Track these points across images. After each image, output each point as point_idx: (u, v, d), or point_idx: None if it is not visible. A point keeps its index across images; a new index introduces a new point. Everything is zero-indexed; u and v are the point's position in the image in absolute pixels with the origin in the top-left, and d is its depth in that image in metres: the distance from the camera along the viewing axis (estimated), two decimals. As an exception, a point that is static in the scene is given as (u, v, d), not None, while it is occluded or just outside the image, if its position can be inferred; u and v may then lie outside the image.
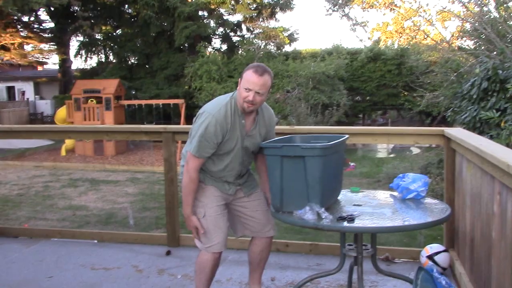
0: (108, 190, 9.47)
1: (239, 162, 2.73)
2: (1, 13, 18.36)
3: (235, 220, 2.91)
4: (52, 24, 23.34)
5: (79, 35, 23.03)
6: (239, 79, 2.62)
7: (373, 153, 15.82)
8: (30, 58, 25.05)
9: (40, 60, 26.39)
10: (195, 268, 2.86)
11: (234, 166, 2.73)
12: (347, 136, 2.74)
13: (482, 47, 8.89)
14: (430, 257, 3.35)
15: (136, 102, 16.57)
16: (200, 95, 16.76)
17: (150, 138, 4.85)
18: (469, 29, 10.56)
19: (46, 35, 23.54)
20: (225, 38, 21.63)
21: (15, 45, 22.53)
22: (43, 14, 23.09)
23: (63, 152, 15.35)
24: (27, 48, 24.88)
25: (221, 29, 21.45)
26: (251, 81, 2.53)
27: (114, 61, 22.24)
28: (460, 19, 11.73)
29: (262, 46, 18.82)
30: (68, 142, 15.43)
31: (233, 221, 2.92)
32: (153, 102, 16.08)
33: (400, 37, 20.01)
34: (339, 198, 2.79)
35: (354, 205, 2.62)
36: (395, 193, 2.88)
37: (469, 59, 9.44)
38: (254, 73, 2.53)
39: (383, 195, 2.88)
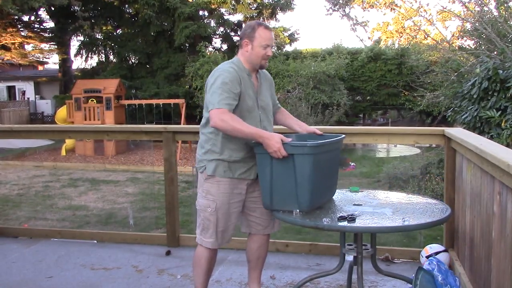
0: (108, 190, 9.46)
1: (260, 127, 2.70)
2: (1, 12, 18.36)
3: (242, 217, 2.90)
4: (52, 24, 23.37)
5: (80, 34, 23.06)
6: (244, 40, 2.66)
7: (373, 153, 15.83)
8: (30, 58, 25.06)
9: (41, 59, 26.41)
10: (192, 262, 2.87)
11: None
12: (342, 136, 2.74)
13: (483, 47, 8.88)
14: (430, 257, 3.35)
15: (136, 102, 16.56)
16: (200, 95, 16.74)
17: (150, 138, 4.85)
18: (469, 29, 10.56)
19: (47, 34, 23.55)
20: (226, 38, 21.63)
21: (16, 45, 22.55)
22: (43, 14, 23.14)
23: (63, 152, 15.36)
24: (28, 47, 24.92)
25: (221, 29, 21.46)
26: (268, 37, 2.65)
27: (115, 60, 22.24)
28: (460, 19, 11.73)
29: (262, 46, 18.78)
30: (69, 142, 15.44)
31: (240, 217, 2.91)
32: (154, 102, 16.07)
33: (401, 37, 20.02)
34: (339, 197, 2.79)
35: (354, 204, 2.62)
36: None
37: (469, 59, 9.44)
38: (266, 29, 2.67)
39: (383, 195, 2.88)
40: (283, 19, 58.16)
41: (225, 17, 20.69)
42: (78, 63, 46.32)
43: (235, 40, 21.29)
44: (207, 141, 2.72)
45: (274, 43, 2.66)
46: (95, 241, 4.33)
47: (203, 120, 2.74)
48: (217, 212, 2.69)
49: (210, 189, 2.71)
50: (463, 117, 5.56)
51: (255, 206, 2.82)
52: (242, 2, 19.05)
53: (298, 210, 2.45)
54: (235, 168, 2.69)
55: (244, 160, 2.70)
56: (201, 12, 20.20)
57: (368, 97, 19.38)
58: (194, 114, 17.71)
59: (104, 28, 22.75)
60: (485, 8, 9.65)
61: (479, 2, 9.79)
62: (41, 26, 23.49)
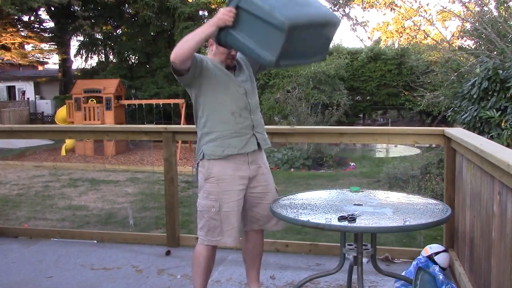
0: (108, 190, 9.46)
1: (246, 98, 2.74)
2: (1, 12, 18.35)
3: (243, 214, 2.88)
4: (52, 24, 23.35)
5: (80, 34, 23.03)
6: (209, 40, 2.70)
7: (373, 153, 15.81)
8: (30, 58, 25.04)
9: (41, 60, 26.38)
10: (191, 262, 2.88)
11: (241, 102, 2.71)
12: None
13: (483, 47, 8.88)
14: (430, 257, 3.35)
15: (136, 102, 16.55)
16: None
17: (150, 138, 4.85)
18: (469, 29, 10.55)
19: (47, 34, 23.54)
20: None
21: (16, 45, 22.52)
22: (43, 14, 23.13)
23: (63, 152, 15.35)
24: (28, 47, 24.89)
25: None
26: None
27: (114, 60, 22.24)
28: (460, 19, 11.72)
29: (262, 46, 18.79)
30: (68, 142, 15.43)
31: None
32: (154, 102, 16.07)
33: (401, 37, 20.03)
34: (339, 197, 2.78)
35: (355, 204, 2.62)
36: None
37: (469, 59, 9.44)
38: None
39: (383, 195, 2.88)
40: (283, 19, 57.75)
41: (225, 17, 20.69)
42: (78, 63, 46.33)
43: (235, 40, 21.29)
44: (199, 126, 2.77)
45: None
46: (95, 241, 4.33)
47: (195, 113, 2.80)
48: (221, 210, 2.70)
49: (211, 190, 2.71)
50: (463, 117, 5.56)
51: (257, 202, 2.83)
52: (242, 2, 19.04)
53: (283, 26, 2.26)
54: (233, 144, 2.68)
55: (238, 132, 2.69)
56: (201, 12, 20.20)
57: (368, 97, 19.36)
58: (194, 114, 17.68)
59: (104, 28, 22.74)
60: (485, 8, 9.65)
61: (479, 2, 9.79)
62: (41, 26, 23.47)
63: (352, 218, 2.32)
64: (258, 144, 2.77)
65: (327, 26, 2.52)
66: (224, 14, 2.44)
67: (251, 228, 2.94)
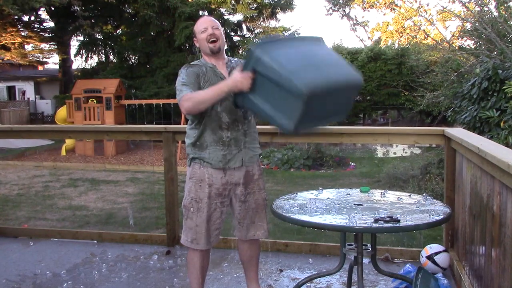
0: (108, 190, 9.46)
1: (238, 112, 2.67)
2: (1, 12, 18.37)
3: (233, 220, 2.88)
4: (52, 24, 23.36)
5: (80, 34, 23.04)
6: (193, 39, 2.84)
7: (373, 153, 15.82)
8: (30, 58, 25.05)
9: (41, 59, 26.39)
10: (186, 262, 2.87)
11: (232, 113, 2.64)
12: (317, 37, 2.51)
13: (483, 47, 8.90)
14: (430, 257, 3.35)
15: (136, 102, 16.56)
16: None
17: (150, 138, 4.86)
18: (469, 29, 10.57)
19: (47, 34, 23.55)
20: (226, 38, 21.56)
21: (16, 45, 22.54)
22: (43, 14, 23.13)
23: (63, 152, 15.36)
24: (28, 47, 24.91)
25: (221, 29, 21.44)
26: (202, 22, 2.78)
27: (114, 60, 22.23)
28: (460, 19, 11.74)
29: (262, 46, 18.80)
30: (69, 142, 15.44)
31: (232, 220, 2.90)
32: (154, 102, 16.08)
33: (401, 36, 20.06)
34: (339, 197, 2.78)
35: (355, 204, 2.62)
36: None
37: (469, 59, 9.46)
38: (201, 18, 2.85)
39: (384, 195, 2.88)
40: (283, 19, 58.01)
41: (225, 17, 20.69)
42: (78, 63, 46.33)
43: (235, 40, 21.29)
44: (189, 125, 2.74)
45: (215, 24, 2.82)
46: (95, 241, 4.33)
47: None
48: (198, 211, 2.67)
49: (192, 188, 2.69)
50: (463, 117, 5.57)
51: (237, 208, 2.77)
52: (242, 2, 19.05)
53: (305, 93, 2.13)
54: (217, 158, 2.64)
55: (225, 146, 2.65)
56: (201, 12, 20.21)
57: (368, 97, 19.39)
58: (194, 114, 17.68)
59: (104, 28, 22.75)
60: (485, 8, 9.66)
61: (479, 2, 9.80)
62: (41, 26, 23.48)
63: (396, 220, 2.27)
64: (242, 161, 2.68)
65: (348, 88, 2.41)
66: (240, 81, 2.35)
67: (236, 235, 2.90)
